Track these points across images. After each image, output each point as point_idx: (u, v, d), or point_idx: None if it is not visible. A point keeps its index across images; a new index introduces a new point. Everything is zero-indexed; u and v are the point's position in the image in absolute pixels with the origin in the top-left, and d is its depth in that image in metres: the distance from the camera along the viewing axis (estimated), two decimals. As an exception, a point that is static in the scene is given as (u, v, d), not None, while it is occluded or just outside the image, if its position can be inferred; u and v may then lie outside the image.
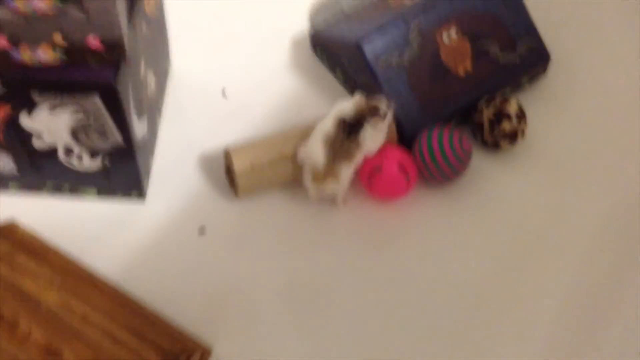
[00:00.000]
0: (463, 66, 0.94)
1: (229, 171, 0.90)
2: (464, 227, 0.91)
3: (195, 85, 1.03)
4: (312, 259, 0.87)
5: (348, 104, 0.86)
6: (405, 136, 0.92)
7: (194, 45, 1.07)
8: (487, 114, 0.92)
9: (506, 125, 0.92)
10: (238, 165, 0.87)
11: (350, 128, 0.86)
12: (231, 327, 0.81)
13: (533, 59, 0.98)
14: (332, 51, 1.01)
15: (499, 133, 0.92)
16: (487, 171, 0.95)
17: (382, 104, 0.85)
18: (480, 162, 0.95)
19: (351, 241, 0.90)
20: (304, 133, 0.88)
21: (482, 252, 0.89)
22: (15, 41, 0.66)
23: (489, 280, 0.86)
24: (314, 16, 1.11)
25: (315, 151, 0.85)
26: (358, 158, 0.86)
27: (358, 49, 0.91)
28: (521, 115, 0.93)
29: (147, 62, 0.85)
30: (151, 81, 0.90)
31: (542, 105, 1.01)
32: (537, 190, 0.95)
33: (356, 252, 0.88)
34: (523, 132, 0.93)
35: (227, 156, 0.88)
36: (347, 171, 0.86)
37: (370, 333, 0.81)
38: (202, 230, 0.88)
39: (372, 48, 0.91)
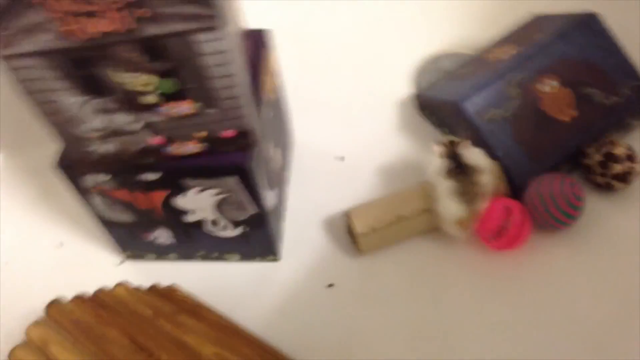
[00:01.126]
0: (567, 113, 0.98)
1: (350, 231, 1.00)
2: (582, 270, 0.92)
3: (315, 154, 1.15)
4: (436, 308, 0.93)
5: (434, 160, 0.94)
6: (515, 187, 0.96)
7: (312, 117, 1.19)
8: (595, 158, 0.94)
9: (617, 167, 0.93)
10: (358, 228, 0.96)
11: (457, 170, 0.92)
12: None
13: (637, 100, 0.99)
14: (437, 110, 1.08)
15: (611, 175, 0.93)
16: (602, 213, 0.96)
17: (454, 137, 0.92)
18: (595, 205, 0.96)
19: (472, 289, 0.94)
20: (418, 192, 0.96)
21: (603, 295, 0.90)
22: (169, 139, 0.82)
23: (611, 325, 0.87)
24: (418, 78, 1.19)
25: (450, 209, 0.92)
26: (486, 186, 0.91)
27: (459, 108, 0.97)
28: (632, 156, 0.93)
29: (273, 140, 0.99)
30: (278, 156, 1.03)
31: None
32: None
33: (477, 300, 0.93)
34: (637, 171, 0.94)
35: (348, 218, 0.98)
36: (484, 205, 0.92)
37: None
38: (330, 286, 0.98)
39: (473, 105, 0.97)
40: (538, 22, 1.08)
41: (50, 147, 1.20)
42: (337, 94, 1.22)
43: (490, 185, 0.92)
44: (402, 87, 1.20)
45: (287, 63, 1.12)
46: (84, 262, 1.07)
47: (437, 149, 0.94)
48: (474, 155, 0.93)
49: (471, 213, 0.91)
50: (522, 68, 0.98)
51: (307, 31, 1.28)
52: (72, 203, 1.15)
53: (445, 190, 0.92)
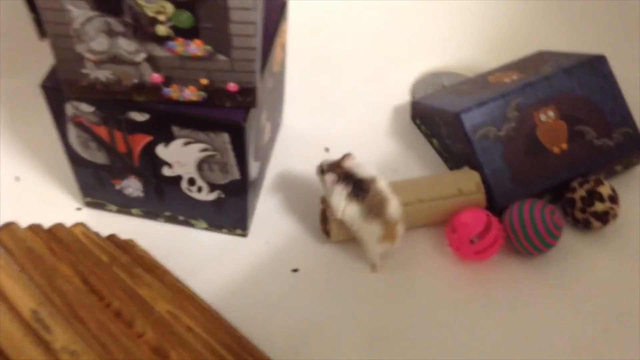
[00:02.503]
0: (558, 145, 0.99)
1: (324, 217, 0.97)
2: (545, 299, 0.92)
3: (301, 140, 1.13)
4: (394, 309, 0.91)
5: (325, 187, 0.92)
6: (494, 205, 0.96)
7: (305, 104, 1.17)
8: (579, 192, 0.95)
9: (598, 206, 0.94)
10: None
11: (356, 192, 0.89)
12: (313, 363, 0.85)
13: (629, 147, 1.01)
14: (431, 121, 1.08)
15: (591, 212, 0.95)
16: (575, 248, 0.97)
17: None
18: (570, 240, 0.98)
19: (434, 296, 0.93)
20: (398, 188, 0.95)
21: (560, 328, 0.90)
22: (168, 79, 0.78)
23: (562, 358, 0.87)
24: (416, 88, 1.19)
25: (372, 231, 0.90)
26: (385, 190, 0.89)
27: (457, 119, 0.97)
28: (614, 198, 0.95)
29: (267, 112, 0.96)
30: (267, 130, 1.00)
31: (636, 191, 1.03)
32: (625, 273, 0.95)
33: (437, 307, 0.91)
34: (615, 213, 0.96)
35: (324, 201, 0.96)
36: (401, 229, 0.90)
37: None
38: (295, 271, 0.95)
39: (471, 119, 0.97)
40: (544, 56, 1.10)
41: (19, 77, 1.15)
42: (333, 88, 1.21)
43: (386, 188, 0.89)
44: (398, 94, 1.20)
45: (293, 45, 1.10)
46: (39, 201, 1.01)
47: (330, 177, 0.90)
48: (361, 167, 0.89)
49: (387, 224, 0.89)
50: (524, 93, 0.99)
51: (320, 22, 1.27)
52: (34, 137, 1.08)
53: (357, 216, 0.89)
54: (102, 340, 0.69)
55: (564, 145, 0.99)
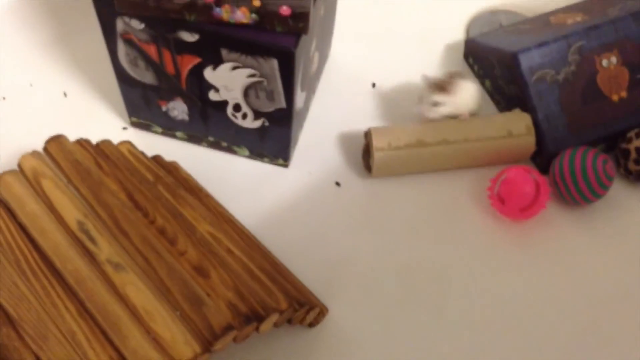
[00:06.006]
0: (618, 93, 0.94)
1: (367, 151, 0.96)
2: (589, 250, 0.91)
3: (348, 74, 1.10)
4: (430, 249, 0.91)
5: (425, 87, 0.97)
6: (545, 151, 0.94)
7: (354, 37, 1.14)
8: (635, 143, 0.91)
9: (654, 158, 0.91)
10: (375, 142, 0.92)
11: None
12: (347, 294, 0.86)
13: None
14: (486, 60, 1.04)
15: (645, 164, 0.91)
16: (624, 201, 0.94)
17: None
18: (619, 191, 0.94)
19: (472, 240, 0.92)
20: (444, 124, 0.93)
21: (603, 280, 0.88)
22: (219, 0, 0.76)
23: (603, 309, 0.86)
24: (472, 26, 1.15)
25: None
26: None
27: (514, 59, 0.93)
28: (671, 152, 0.91)
29: (316, 41, 0.93)
30: (315, 61, 0.98)
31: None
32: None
33: (477, 253, 0.91)
34: (670, 168, 0.92)
35: (368, 135, 0.94)
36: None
37: (475, 326, 0.84)
38: (338, 185, 0.96)
39: (529, 60, 0.93)
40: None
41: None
42: (385, 22, 1.17)
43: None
44: (452, 31, 1.15)
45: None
46: (86, 117, 1.02)
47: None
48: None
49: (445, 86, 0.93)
50: (587, 36, 0.93)
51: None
52: (84, 53, 1.08)
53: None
54: (146, 255, 0.70)
55: (624, 94, 0.94)
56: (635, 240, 0.92)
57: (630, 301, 0.86)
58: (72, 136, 0.84)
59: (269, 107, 0.88)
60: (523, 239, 0.92)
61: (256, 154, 0.98)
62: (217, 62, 0.83)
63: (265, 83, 0.84)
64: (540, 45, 0.93)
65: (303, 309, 0.76)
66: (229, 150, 0.99)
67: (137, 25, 0.81)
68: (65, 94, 1.04)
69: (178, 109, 0.94)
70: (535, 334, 0.83)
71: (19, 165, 0.78)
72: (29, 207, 0.73)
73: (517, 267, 0.89)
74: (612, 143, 0.96)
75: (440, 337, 0.83)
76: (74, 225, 0.72)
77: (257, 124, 0.91)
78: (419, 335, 0.83)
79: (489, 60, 1.03)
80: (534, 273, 0.89)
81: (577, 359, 0.81)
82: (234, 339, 0.68)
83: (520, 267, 0.89)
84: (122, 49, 0.86)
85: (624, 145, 0.93)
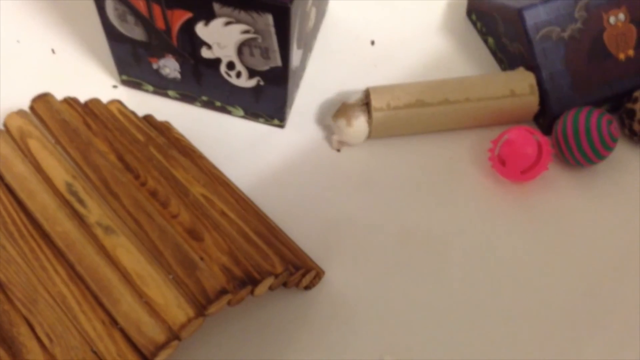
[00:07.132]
0: (625, 52, 0.91)
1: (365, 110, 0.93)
2: (592, 213, 0.89)
3: (346, 31, 1.06)
4: (430, 211, 0.89)
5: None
6: (548, 111, 0.91)
7: (353, -7, 1.10)
8: (641, 103, 0.89)
9: (660, 119, 0.88)
10: (374, 101, 0.89)
11: None
12: (344, 256, 0.84)
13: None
14: (489, 17, 1.00)
15: (651, 125, 0.89)
16: (628, 162, 0.92)
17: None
18: (622, 153, 0.92)
19: (473, 202, 0.90)
20: (445, 84, 0.90)
21: (604, 242, 0.87)
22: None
23: (604, 271, 0.85)
24: (475, -18, 1.10)
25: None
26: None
27: (519, 16, 0.90)
28: (678, 112, 0.89)
29: (313, -4, 0.90)
30: (312, 17, 0.94)
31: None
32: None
33: (476, 215, 0.89)
34: (676, 129, 0.90)
35: (367, 94, 0.91)
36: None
37: (474, 289, 0.83)
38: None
39: (534, 17, 0.89)
40: (621, -49, 0.99)
41: None
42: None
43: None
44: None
45: None
46: (75, 75, 0.98)
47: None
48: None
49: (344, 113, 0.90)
50: (596, -8, 0.90)
51: None
52: (71, 8, 1.04)
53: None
54: (137, 217, 0.69)
55: (631, 52, 0.91)
56: (638, 202, 0.90)
57: (631, 263, 0.85)
58: (60, 94, 0.81)
59: (263, 66, 0.85)
60: (524, 201, 0.90)
61: (251, 114, 0.95)
62: (209, 17, 0.80)
63: (259, 40, 0.81)
64: (547, 1, 0.89)
65: (299, 272, 0.75)
66: (223, 110, 0.96)
67: (124, -23, 0.78)
68: (53, 51, 1.01)
69: (169, 66, 0.90)
70: (536, 297, 0.82)
71: (5, 125, 0.75)
72: (16, 168, 0.71)
73: (517, 229, 0.88)
74: (617, 103, 0.93)
75: (438, 300, 0.82)
76: (62, 187, 0.70)
77: (252, 83, 0.88)
78: (417, 298, 0.82)
79: (493, 16, 0.99)
80: (535, 235, 0.87)
81: (579, 320, 0.81)
82: (228, 303, 0.66)
83: (520, 229, 0.88)
84: (110, 3, 0.83)
85: (629, 105, 0.91)
